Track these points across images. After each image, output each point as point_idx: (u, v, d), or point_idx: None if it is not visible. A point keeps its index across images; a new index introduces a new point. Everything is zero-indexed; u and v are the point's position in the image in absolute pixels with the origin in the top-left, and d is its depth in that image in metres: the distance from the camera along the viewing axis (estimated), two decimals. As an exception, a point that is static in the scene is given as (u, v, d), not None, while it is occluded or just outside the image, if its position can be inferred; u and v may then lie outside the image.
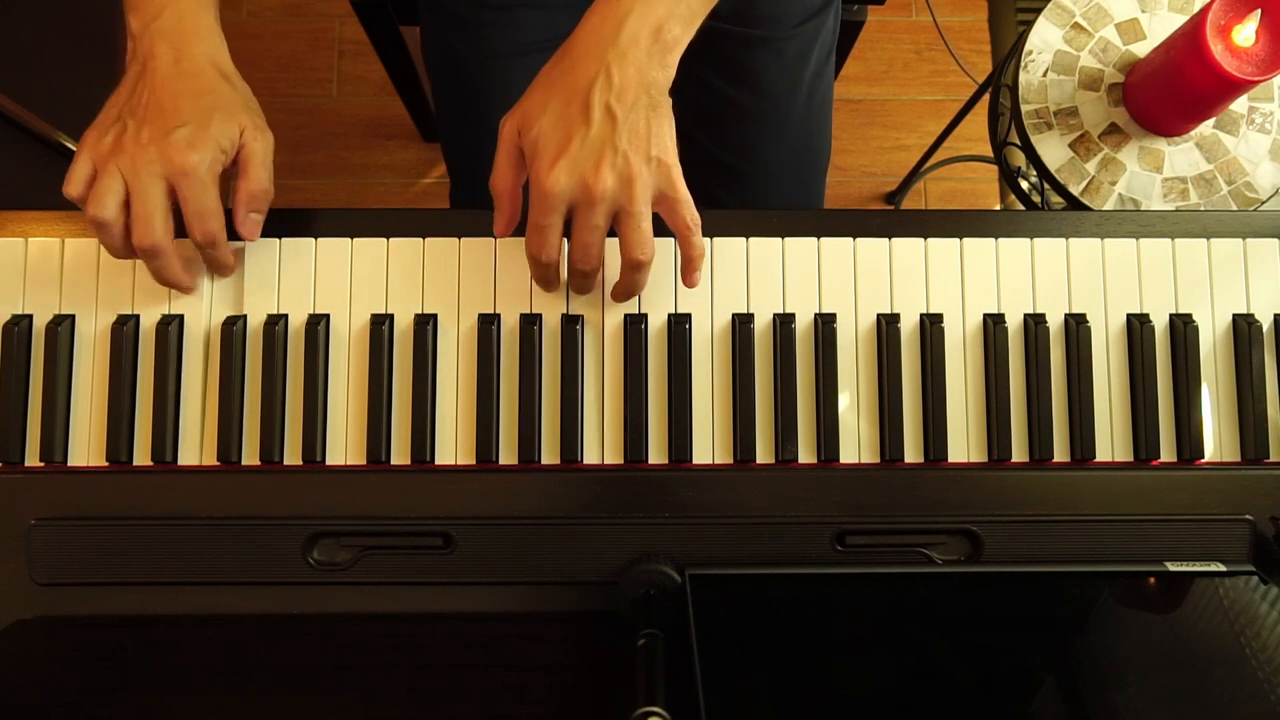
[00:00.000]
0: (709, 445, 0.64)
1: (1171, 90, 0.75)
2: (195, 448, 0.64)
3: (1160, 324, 0.66)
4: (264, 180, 0.63)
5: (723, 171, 0.93)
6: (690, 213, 0.58)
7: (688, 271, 0.62)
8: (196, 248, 0.62)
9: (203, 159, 0.58)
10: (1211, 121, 0.79)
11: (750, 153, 0.92)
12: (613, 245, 0.62)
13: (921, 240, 0.66)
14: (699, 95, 0.91)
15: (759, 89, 0.88)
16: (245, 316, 0.65)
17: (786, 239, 0.66)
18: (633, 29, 0.55)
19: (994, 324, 0.65)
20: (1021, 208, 0.95)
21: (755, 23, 0.86)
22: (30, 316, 0.65)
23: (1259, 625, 0.56)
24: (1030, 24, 0.83)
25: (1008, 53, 0.86)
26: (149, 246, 0.59)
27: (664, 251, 0.65)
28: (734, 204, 0.94)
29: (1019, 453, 0.65)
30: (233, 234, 0.62)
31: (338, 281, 0.66)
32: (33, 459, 0.64)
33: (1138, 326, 0.65)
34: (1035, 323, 0.65)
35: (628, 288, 0.62)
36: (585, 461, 0.64)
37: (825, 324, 0.65)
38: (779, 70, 0.88)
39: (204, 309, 0.65)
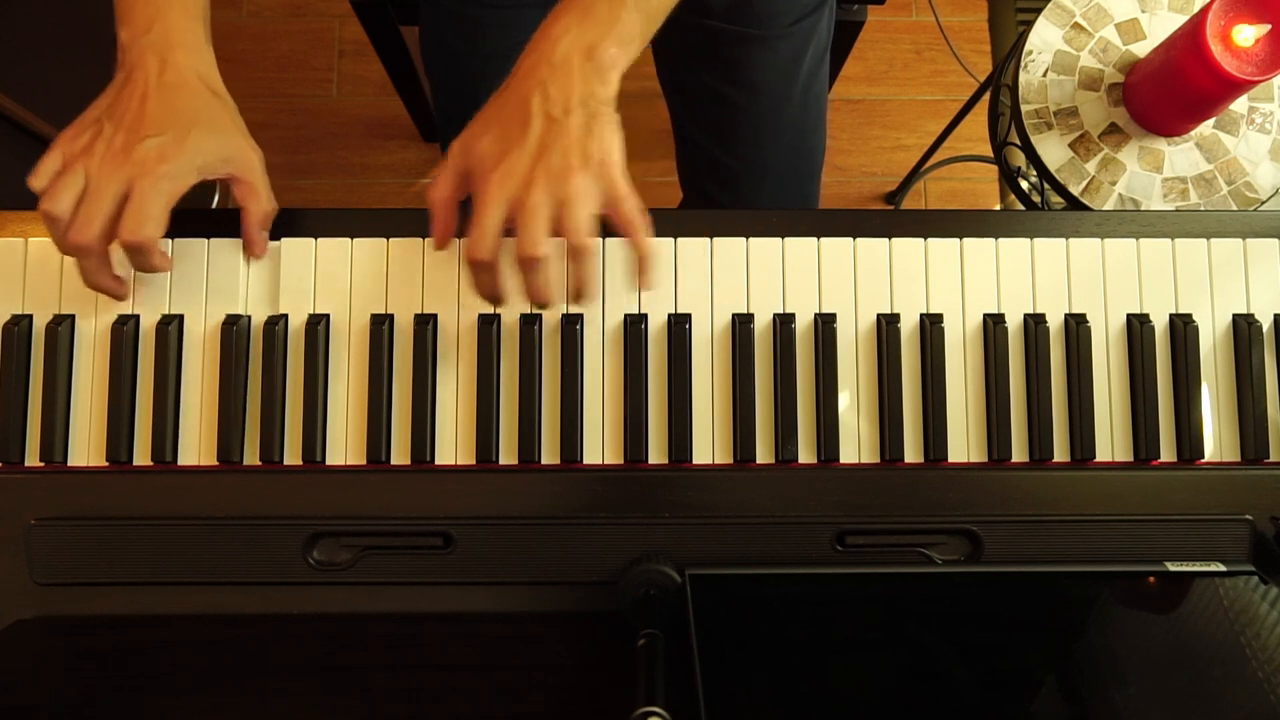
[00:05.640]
0: (709, 445, 0.64)
1: (1171, 90, 0.75)
2: (195, 448, 0.64)
3: (1160, 324, 0.66)
4: (272, 199, 0.64)
5: (718, 170, 0.93)
6: (632, 208, 0.58)
7: (640, 272, 0.60)
8: (121, 246, 0.59)
9: (169, 170, 0.58)
10: (1211, 121, 0.79)
11: (744, 151, 0.92)
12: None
13: (921, 240, 0.66)
14: (694, 93, 0.91)
15: (753, 87, 0.88)
16: (245, 316, 0.65)
17: (786, 239, 0.66)
18: (565, 49, 0.57)
19: (994, 324, 0.65)
20: (1021, 208, 0.95)
21: (749, 21, 0.86)
22: (30, 316, 0.65)
23: (1259, 625, 0.56)
24: (1030, 24, 0.83)
25: (1008, 53, 0.86)
26: (81, 244, 0.58)
27: (664, 250, 0.65)
28: (729, 203, 0.94)
29: (1019, 453, 0.65)
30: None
31: (338, 281, 0.66)
32: (33, 459, 0.64)
33: (1138, 326, 0.65)
34: (1035, 323, 0.65)
35: (576, 285, 0.59)
36: (585, 461, 0.64)
37: (825, 324, 0.65)
38: (773, 69, 0.88)
39: (203, 309, 0.65)
